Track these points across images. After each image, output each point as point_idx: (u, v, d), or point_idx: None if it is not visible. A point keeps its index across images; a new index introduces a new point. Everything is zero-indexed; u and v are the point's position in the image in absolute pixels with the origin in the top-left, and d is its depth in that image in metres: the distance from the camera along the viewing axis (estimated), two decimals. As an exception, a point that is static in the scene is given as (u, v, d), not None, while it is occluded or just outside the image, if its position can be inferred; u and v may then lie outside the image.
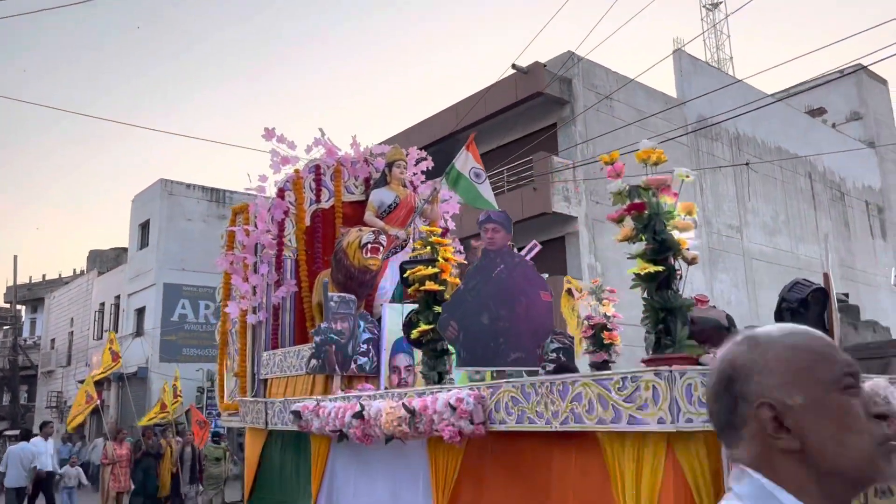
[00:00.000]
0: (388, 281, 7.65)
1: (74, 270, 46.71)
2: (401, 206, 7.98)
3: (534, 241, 5.98)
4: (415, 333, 5.17)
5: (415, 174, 8.72)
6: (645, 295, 3.47)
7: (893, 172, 32.22)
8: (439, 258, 5.20)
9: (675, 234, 3.42)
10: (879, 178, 31.19)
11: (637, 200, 3.53)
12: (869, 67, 29.60)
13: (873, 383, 3.33)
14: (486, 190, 7.69)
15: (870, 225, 30.30)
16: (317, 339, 6.38)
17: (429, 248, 5.27)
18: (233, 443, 15.27)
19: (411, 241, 8.11)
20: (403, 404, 4.61)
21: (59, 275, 48.83)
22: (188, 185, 29.81)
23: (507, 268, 4.57)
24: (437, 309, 5.05)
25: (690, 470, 3.27)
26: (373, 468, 5.53)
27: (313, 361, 6.37)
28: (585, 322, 7.20)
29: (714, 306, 6.43)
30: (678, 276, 3.47)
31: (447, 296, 5.15)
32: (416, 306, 5.88)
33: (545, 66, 20.39)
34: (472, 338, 4.54)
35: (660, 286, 3.40)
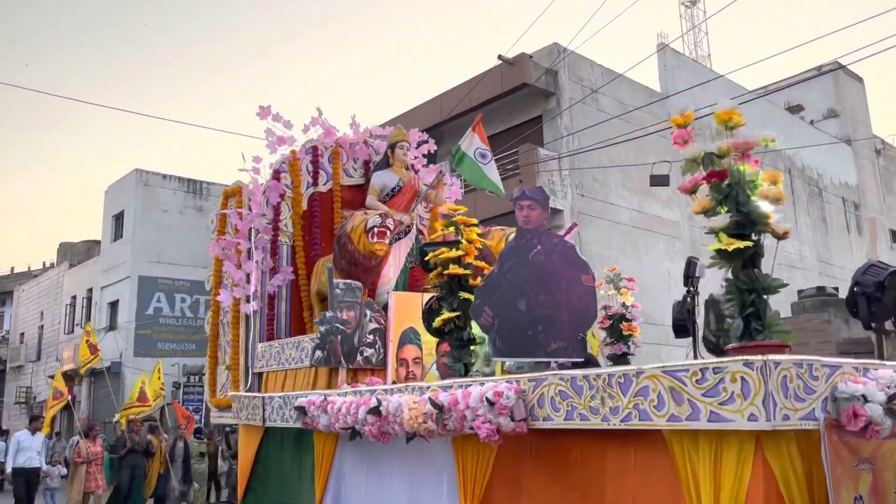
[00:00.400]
0: (392, 268, 7.21)
1: (44, 263, 45.65)
2: (404, 189, 7.53)
3: (573, 221, 5.56)
4: (437, 322, 4.73)
5: (416, 157, 8.27)
6: (728, 275, 3.06)
7: (868, 169, 32.39)
8: (463, 240, 4.77)
9: (762, 206, 3.01)
10: (855, 175, 31.33)
11: (713, 168, 3.13)
12: (846, 66, 29.69)
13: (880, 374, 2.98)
14: (491, 171, 7.31)
15: (846, 221, 30.41)
16: (322, 328, 5.92)
17: (452, 228, 4.82)
18: (222, 440, 14.71)
19: (415, 226, 7.69)
20: (430, 399, 4.18)
21: (29, 267, 47.70)
22: (164, 176, 29.09)
23: (545, 249, 4.14)
24: (464, 295, 4.62)
25: (782, 473, 2.87)
26: (387, 468, 5.09)
27: (318, 353, 5.92)
28: (602, 312, 6.80)
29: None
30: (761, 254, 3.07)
31: (472, 281, 4.72)
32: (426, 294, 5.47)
33: (531, 57, 20.11)
34: (509, 326, 4.11)
35: (744, 264, 2.99)
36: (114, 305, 28.45)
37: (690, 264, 6.06)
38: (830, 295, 15.12)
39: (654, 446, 3.31)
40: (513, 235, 6.81)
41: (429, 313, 4.96)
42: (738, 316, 2.99)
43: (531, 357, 4.12)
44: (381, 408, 4.61)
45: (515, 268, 4.13)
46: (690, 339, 6.04)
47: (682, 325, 5.97)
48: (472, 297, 4.60)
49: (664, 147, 21.30)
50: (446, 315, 4.64)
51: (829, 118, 31.72)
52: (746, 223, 2.99)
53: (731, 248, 2.89)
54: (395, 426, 4.50)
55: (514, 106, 20.41)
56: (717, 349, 5.78)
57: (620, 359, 6.68)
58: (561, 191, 19.38)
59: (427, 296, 5.37)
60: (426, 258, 4.81)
